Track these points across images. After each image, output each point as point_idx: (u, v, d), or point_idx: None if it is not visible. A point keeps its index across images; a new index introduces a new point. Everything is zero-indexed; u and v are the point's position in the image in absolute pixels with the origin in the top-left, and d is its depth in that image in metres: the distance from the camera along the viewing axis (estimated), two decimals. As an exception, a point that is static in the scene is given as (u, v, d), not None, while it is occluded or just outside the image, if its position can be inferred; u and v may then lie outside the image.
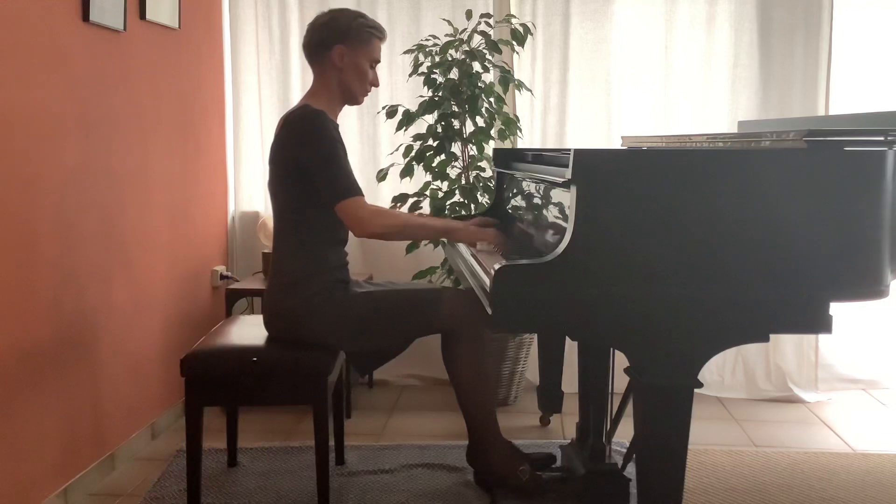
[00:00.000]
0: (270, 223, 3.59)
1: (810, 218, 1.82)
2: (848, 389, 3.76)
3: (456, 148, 3.50)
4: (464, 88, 3.40)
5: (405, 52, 3.54)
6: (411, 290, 2.52)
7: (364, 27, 2.47)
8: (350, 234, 2.55)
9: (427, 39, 3.49)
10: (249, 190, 3.90)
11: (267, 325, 2.48)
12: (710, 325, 1.82)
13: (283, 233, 2.46)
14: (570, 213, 1.80)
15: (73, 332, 2.58)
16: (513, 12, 3.67)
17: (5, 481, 2.27)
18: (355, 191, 2.35)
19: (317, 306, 2.39)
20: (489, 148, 3.47)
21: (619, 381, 2.35)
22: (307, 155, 2.34)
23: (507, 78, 3.50)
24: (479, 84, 3.43)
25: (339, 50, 2.44)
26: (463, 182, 3.50)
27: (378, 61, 2.53)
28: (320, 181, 2.34)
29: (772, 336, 1.86)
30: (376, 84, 2.55)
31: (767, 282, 1.80)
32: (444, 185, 3.51)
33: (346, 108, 2.57)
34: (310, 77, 3.83)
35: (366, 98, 2.57)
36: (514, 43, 3.51)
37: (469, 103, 3.41)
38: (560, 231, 2.02)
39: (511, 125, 3.50)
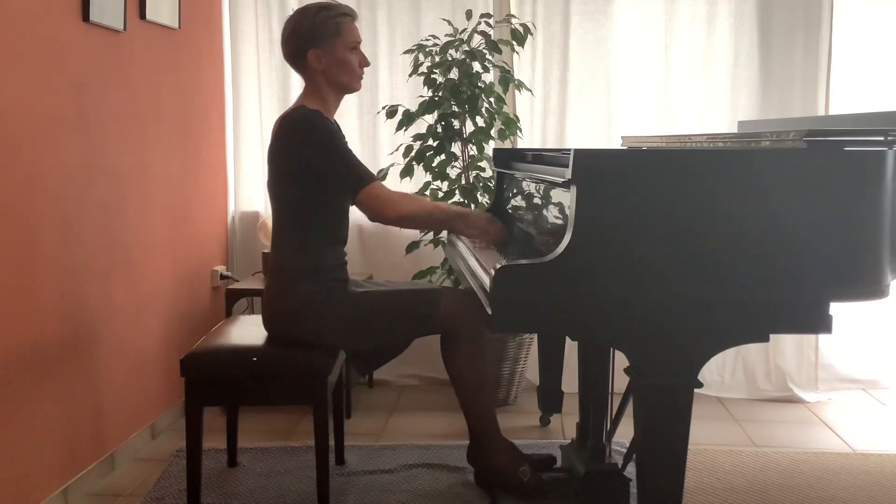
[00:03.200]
0: (270, 223, 3.60)
1: (810, 218, 1.82)
2: (848, 389, 3.75)
3: (456, 148, 3.50)
4: (464, 88, 3.40)
5: (405, 52, 3.54)
6: (410, 289, 2.52)
7: (328, 20, 2.42)
8: (349, 233, 2.55)
9: (427, 39, 3.49)
10: (249, 190, 3.89)
11: (266, 323, 2.48)
12: (710, 325, 1.82)
13: (283, 232, 2.46)
14: (570, 213, 1.80)
15: (73, 332, 2.58)
16: (513, 12, 3.67)
17: (5, 481, 2.27)
18: (373, 177, 2.37)
19: (315, 304, 2.39)
20: (489, 148, 3.47)
21: (619, 381, 2.35)
22: (313, 155, 2.34)
23: (507, 78, 3.50)
24: (479, 84, 3.43)
25: (314, 54, 2.42)
26: (463, 182, 3.50)
27: (359, 42, 2.48)
28: (335, 176, 2.35)
29: (772, 336, 1.86)
30: (366, 64, 2.51)
31: (767, 282, 1.81)
32: (444, 185, 3.50)
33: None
34: (310, 77, 3.85)
35: (362, 81, 2.53)
36: (514, 43, 3.51)
37: (469, 103, 3.41)
38: (560, 231, 2.02)
39: (511, 125, 3.50)
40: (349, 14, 2.47)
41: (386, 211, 2.35)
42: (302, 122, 2.36)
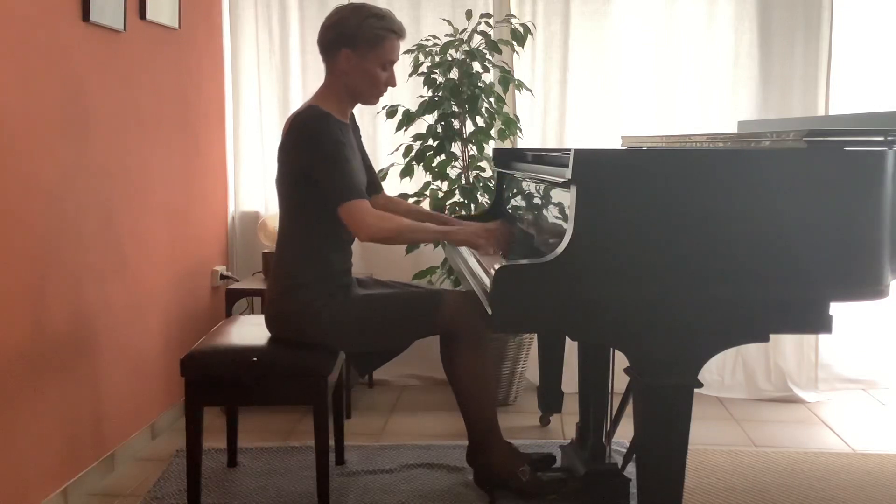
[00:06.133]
0: (270, 223, 3.61)
1: (810, 218, 1.82)
2: (848, 389, 3.75)
3: (456, 148, 3.50)
4: (464, 88, 3.40)
5: (405, 52, 3.53)
6: (412, 292, 2.52)
7: (374, 29, 2.37)
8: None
9: (427, 39, 3.49)
10: (249, 190, 3.89)
11: (269, 325, 2.48)
12: (710, 325, 1.82)
13: (289, 234, 2.45)
14: (570, 213, 1.80)
15: (72, 332, 2.58)
16: (513, 12, 3.67)
17: (5, 481, 2.27)
18: (357, 193, 2.32)
19: (318, 310, 2.39)
20: (489, 148, 3.47)
21: (619, 381, 2.35)
22: (310, 159, 2.33)
23: (507, 78, 3.50)
24: (479, 84, 3.43)
25: (345, 54, 2.39)
26: (463, 182, 3.50)
27: (394, 61, 2.44)
28: (324, 184, 2.32)
29: (772, 336, 1.87)
30: (392, 84, 2.48)
31: (767, 282, 1.81)
32: (444, 185, 3.51)
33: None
34: (309, 77, 3.87)
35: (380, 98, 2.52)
36: (514, 43, 3.51)
37: (469, 103, 3.41)
38: (560, 231, 2.02)
39: (511, 125, 3.50)
40: (397, 32, 2.42)
41: (357, 232, 2.33)
42: (309, 125, 2.34)
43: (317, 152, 2.32)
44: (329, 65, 2.45)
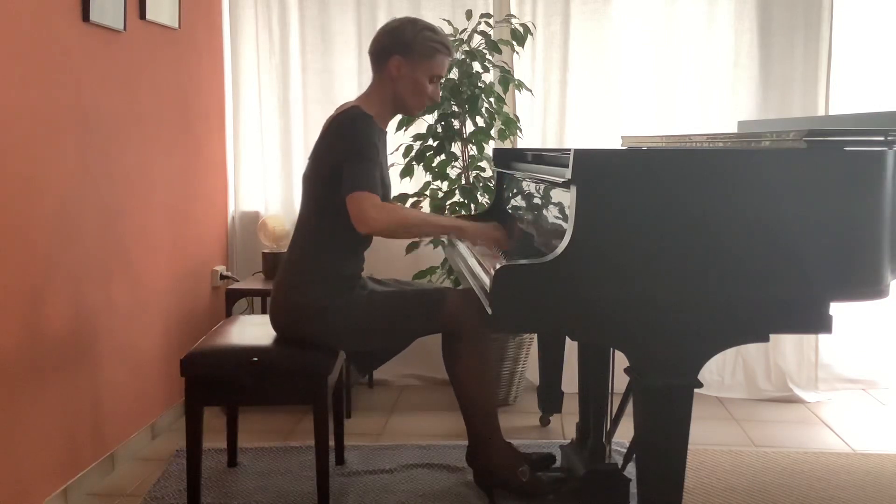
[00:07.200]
0: (270, 223, 3.61)
1: (810, 218, 1.82)
2: (848, 389, 3.75)
3: (456, 148, 3.50)
4: (464, 88, 3.40)
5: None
6: (415, 290, 2.52)
7: (428, 41, 2.42)
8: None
9: (427, 39, 3.49)
10: (249, 190, 3.89)
11: (272, 319, 2.48)
12: (710, 325, 1.82)
13: (308, 231, 2.45)
14: (570, 213, 1.80)
15: (73, 332, 2.58)
16: (513, 12, 3.67)
17: (5, 481, 2.27)
18: (369, 187, 2.29)
19: (324, 308, 2.39)
20: (489, 148, 3.47)
21: (619, 381, 2.35)
22: (341, 153, 2.33)
23: (507, 78, 3.50)
24: (479, 84, 3.43)
25: (397, 61, 2.41)
26: (463, 182, 3.50)
27: (441, 77, 2.46)
28: (344, 173, 2.31)
29: (772, 336, 1.86)
30: (436, 99, 2.50)
31: (767, 282, 1.81)
32: (444, 185, 3.51)
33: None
34: (309, 77, 3.87)
35: (419, 110, 2.53)
36: (514, 43, 3.51)
37: (469, 103, 3.41)
38: (560, 231, 2.02)
39: (511, 125, 3.50)
40: (448, 49, 2.47)
41: (358, 223, 2.29)
42: (349, 123, 2.35)
43: (349, 148, 2.32)
44: (378, 71, 2.46)
